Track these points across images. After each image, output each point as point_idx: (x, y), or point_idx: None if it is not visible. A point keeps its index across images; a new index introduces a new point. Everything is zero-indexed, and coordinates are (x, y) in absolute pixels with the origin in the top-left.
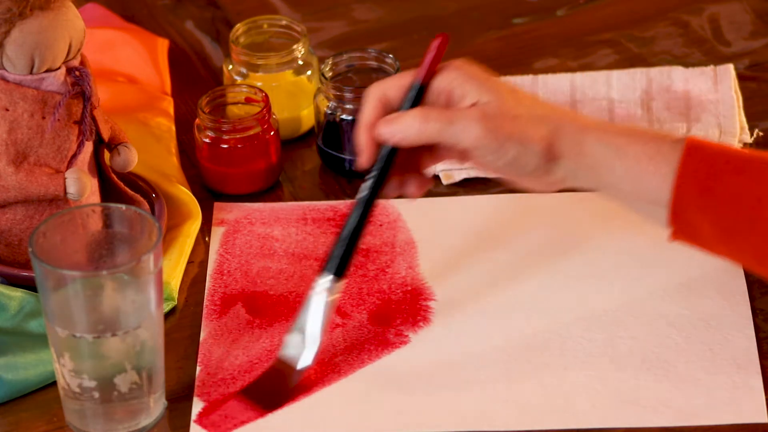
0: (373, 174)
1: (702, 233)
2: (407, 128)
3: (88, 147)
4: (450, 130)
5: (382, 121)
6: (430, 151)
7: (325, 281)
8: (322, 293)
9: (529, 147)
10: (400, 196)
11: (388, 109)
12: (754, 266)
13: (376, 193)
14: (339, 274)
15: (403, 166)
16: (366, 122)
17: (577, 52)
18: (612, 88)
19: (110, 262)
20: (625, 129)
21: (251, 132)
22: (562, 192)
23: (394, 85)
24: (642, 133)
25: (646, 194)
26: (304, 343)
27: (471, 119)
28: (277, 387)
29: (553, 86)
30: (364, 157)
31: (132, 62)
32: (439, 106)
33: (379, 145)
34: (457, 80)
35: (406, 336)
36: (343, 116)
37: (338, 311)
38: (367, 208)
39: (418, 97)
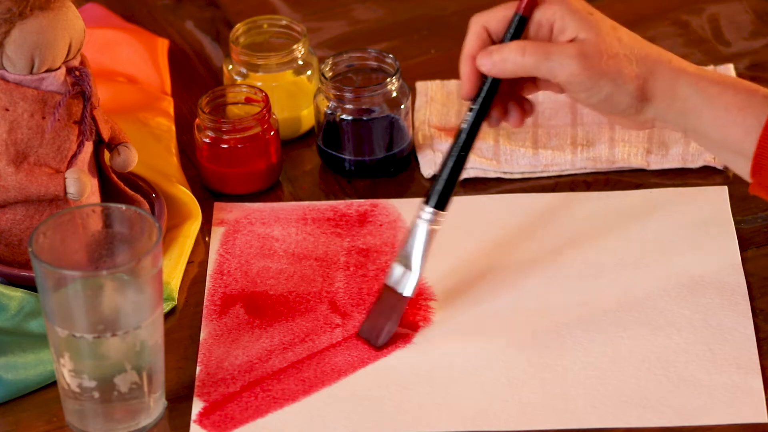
0: (475, 105)
1: None
2: (505, 61)
3: (88, 147)
4: (546, 65)
5: (482, 53)
6: (532, 80)
7: (428, 212)
8: (425, 223)
9: (622, 86)
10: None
11: (490, 41)
12: None
13: (478, 123)
14: (441, 207)
15: (505, 94)
16: (467, 53)
17: None
18: None
19: (110, 262)
20: (720, 77)
21: (251, 132)
22: (562, 192)
23: (496, 17)
24: (736, 83)
25: (732, 144)
26: (408, 272)
27: (567, 55)
28: (386, 317)
29: None
30: (466, 88)
31: (132, 62)
32: (541, 38)
33: (480, 75)
34: (559, 13)
35: (406, 336)
36: (343, 116)
37: (338, 311)
38: (469, 139)
39: (519, 29)
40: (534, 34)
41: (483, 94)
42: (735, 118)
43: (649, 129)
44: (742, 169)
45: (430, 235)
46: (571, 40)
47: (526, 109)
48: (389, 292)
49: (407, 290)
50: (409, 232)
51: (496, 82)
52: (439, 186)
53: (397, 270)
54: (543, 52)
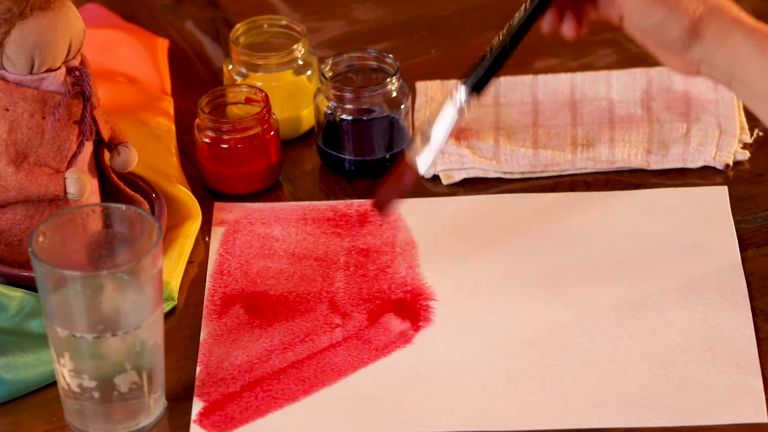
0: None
1: None
2: None
3: (88, 147)
4: None
5: None
6: (592, 1)
7: (461, 93)
8: (455, 103)
9: (676, 16)
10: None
11: None
12: None
13: (534, 16)
14: (477, 89)
15: (565, 4)
16: None
17: (577, 52)
18: (612, 88)
19: (110, 262)
20: None
21: (251, 132)
22: (562, 192)
23: None
24: None
25: None
26: (425, 146)
27: None
28: (396, 184)
29: (553, 86)
30: None
31: (132, 62)
32: None
33: None
34: None
35: (406, 336)
36: (343, 116)
37: (338, 311)
38: (521, 29)
39: None
40: None
41: None
42: None
43: (694, 75)
44: None
45: (459, 115)
46: None
47: (582, 23)
48: (405, 165)
49: (421, 166)
50: (439, 111)
51: None
52: (480, 70)
53: (417, 143)
54: None
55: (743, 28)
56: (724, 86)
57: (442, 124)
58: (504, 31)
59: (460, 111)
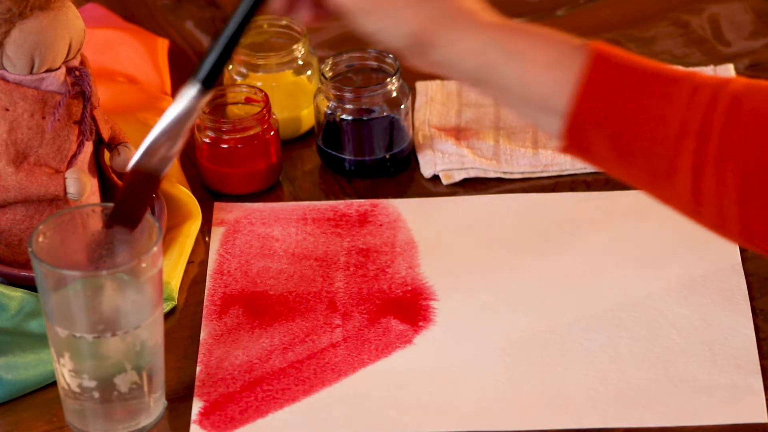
0: None
1: (597, 149)
2: None
3: (88, 147)
4: None
5: None
6: None
7: (190, 89)
8: (183, 99)
9: (395, 23)
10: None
11: None
12: (647, 188)
13: (257, 2)
14: (207, 84)
15: None
16: None
17: None
18: None
19: (110, 262)
20: (527, 31)
21: (251, 132)
22: (563, 192)
23: None
24: (543, 36)
25: (540, 102)
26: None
27: None
28: (128, 194)
29: None
30: None
31: (132, 62)
32: None
33: None
34: None
35: (407, 336)
36: (343, 116)
37: (338, 311)
38: (245, 17)
39: None
40: None
41: None
42: (543, 74)
43: (446, 76)
44: (551, 126)
45: (190, 111)
46: None
47: (319, 12)
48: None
49: (131, 162)
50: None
51: None
52: (207, 64)
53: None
54: None
55: (488, 31)
56: (474, 88)
57: (164, 119)
58: (228, 21)
59: (190, 107)
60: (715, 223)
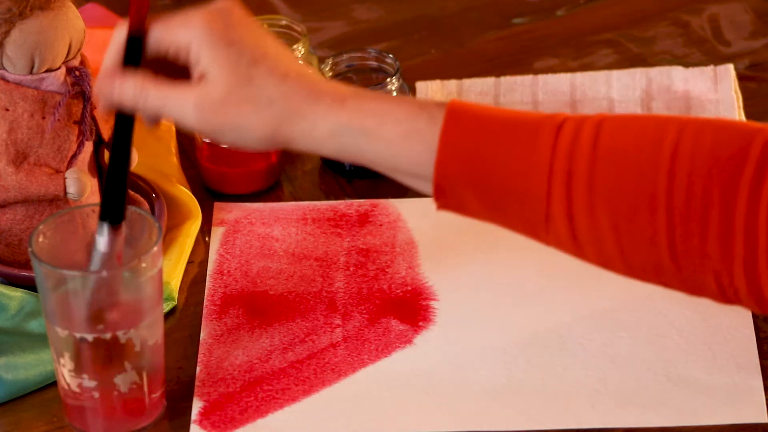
0: (116, 123)
1: (468, 207)
2: (124, 95)
3: (88, 147)
4: (166, 111)
5: (104, 76)
6: None
7: (101, 229)
8: (100, 239)
9: (249, 133)
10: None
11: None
12: (527, 234)
13: (126, 130)
14: (113, 221)
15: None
16: (104, 71)
17: (577, 52)
18: (612, 88)
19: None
20: (382, 104)
21: None
22: None
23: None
24: (399, 107)
25: (407, 172)
26: None
27: (185, 106)
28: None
29: (553, 86)
30: (102, 105)
31: None
32: (180, 63)
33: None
34: (196, 40)
35: (407, 336)
36: None
37: (338, 311)
38: (121, 145)
39: (134, 50)
40: (174, 56)
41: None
42: (401, 148)
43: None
44: (424, 189)
45: (110, 247)
46: (201, 77)
47: None
48: None
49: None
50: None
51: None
52: (106, 200)
53: None
54: (162, 97)
55: (340, 115)
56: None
57: (94, 259)
58: (111, 155)
59: (111, 245)
60: (599, 263)
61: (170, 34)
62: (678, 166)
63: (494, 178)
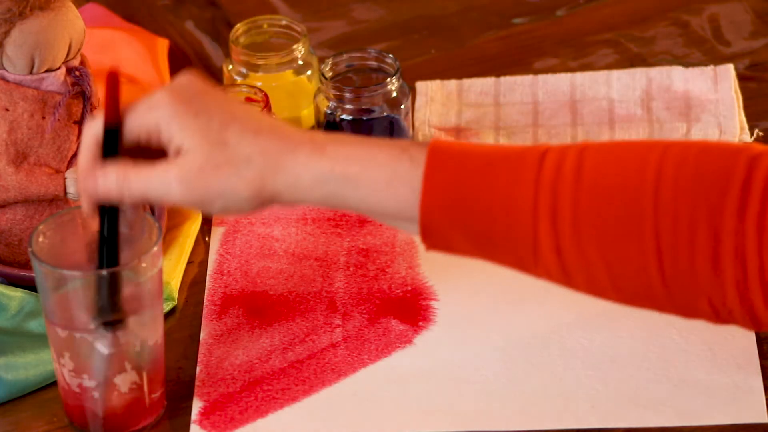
0: (103, 231)
1: (457, 245)
2: (107, 187)
3: None
4: (151, 193)
5: (84, 173)
6: None
7: (99, 333)
8: (101, 343)
9: (235, 195)
10: None
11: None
12: (517, 269)
13: (112, 228)
14: (109, 325)
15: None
16: (82, 169)
17: (577, 52)
18: (612, 88)
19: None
20: (357, 152)
21: None
22: None
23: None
24: (379, 151)
25: (393, 216)
26: None
27: (169, 182)
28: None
29: (553, 86)
30: (85, 205)
31: (132, 62)
32: (154, 148)
33: None
34: (164, 120)
35: (407, 336)
36: (343, 116)
37: (338, 311)
38: (108, 242)
39: (112, 141)
40: (147, 141)
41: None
42: (385, 194)
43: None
44: (412, 230)
45: (113, 349)
46: (177, 154)
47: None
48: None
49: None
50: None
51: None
52: (100, 305)
53: None
54: (145, 180)
55: (321, 164)
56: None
57: (98, 365)
58: (100, 250)
59: (111, 347)
60: (590, 292)
61: (139, 119)
62: (662, 191)
63: (480, 216)
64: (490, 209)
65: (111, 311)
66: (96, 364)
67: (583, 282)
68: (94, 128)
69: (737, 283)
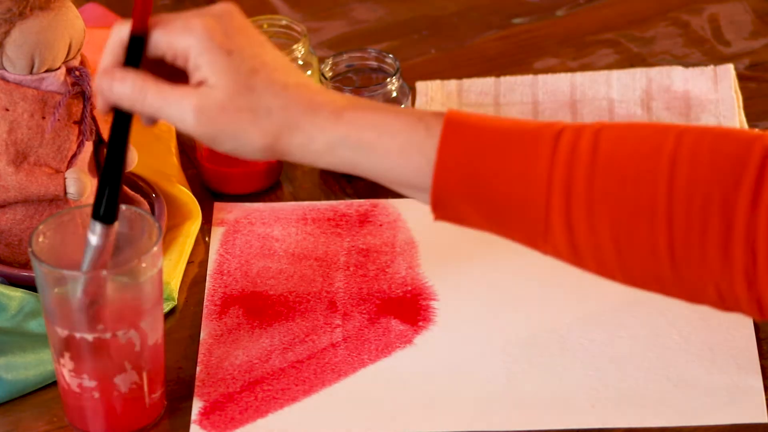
0: (115, 119)
1: (467, 218)
2: (122, 94)
3: (88, 147)
4: (164, 113)
5: (102, 74)
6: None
7: (96, 229)
8: (92, 236)
9: (245, 142)
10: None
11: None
12: (526, 244)
13: (124, 129)
14: (106, 219)
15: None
16: (102, 68)
17: (577, 52)
18: (612, 88)
19: (110, 262)
20: (380, 116)
21: None
22: None
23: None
24: (396, 119)
25: (405, 184)
26: None
27: (185, 108)
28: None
29: (553, 86)
30: (100, 103)
31: None
32: (178, 68)
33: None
34: (196, 48)
35: (407, 336)
36: None
37: (338, 311)
38: (118, 144)
39: (136, 50)
40: (172, 60)
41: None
42: (398, 161)
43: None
44: (423, 200)
45: (102, 244)
46: (200, 84)
47: None
48: None
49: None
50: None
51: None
52: (100, 198)
53: None
54: (161, 99)
55: (338, 128)
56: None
57: (86, 256)
58: (107, 154)
59: (102, 244)
60: (598, 272)
61: (170, 38)
62: (677, 175)
63: (492, 189)
64: (503, 183)
65: (108, 209)
66: (84, 258)
67: (592, 261)
68: (121, 31)
69: (746, 270)
